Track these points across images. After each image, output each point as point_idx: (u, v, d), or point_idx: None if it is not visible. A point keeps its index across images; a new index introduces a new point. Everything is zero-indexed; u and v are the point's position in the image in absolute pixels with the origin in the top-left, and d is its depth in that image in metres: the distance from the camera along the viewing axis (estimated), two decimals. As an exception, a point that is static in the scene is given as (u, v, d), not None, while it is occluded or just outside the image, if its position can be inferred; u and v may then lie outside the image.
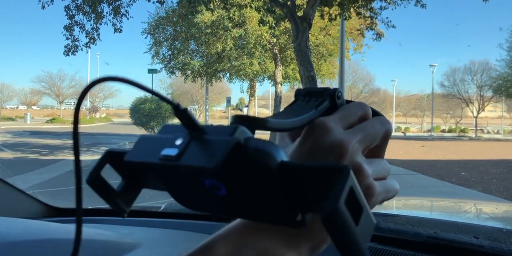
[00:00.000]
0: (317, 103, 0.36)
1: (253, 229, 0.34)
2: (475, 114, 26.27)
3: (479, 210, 1.36)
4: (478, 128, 26.82)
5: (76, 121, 0.30)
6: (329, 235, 0.27)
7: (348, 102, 0.38)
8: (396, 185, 0.37)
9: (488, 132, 27.57)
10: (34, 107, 34.66)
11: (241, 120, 0.31)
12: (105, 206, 1.20)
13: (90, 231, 0.92)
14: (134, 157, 0.31)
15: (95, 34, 9.72)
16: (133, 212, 1.18)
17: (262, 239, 0.33)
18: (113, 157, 0.35)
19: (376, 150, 0.37)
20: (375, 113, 0.38)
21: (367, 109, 0.37)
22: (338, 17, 9.38)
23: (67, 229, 0.88)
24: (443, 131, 27.70)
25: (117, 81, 0.28)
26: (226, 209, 0.33)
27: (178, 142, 0.30)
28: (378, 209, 1.16)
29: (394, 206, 1.29)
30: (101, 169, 0.34)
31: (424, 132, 26.67)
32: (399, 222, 0.89)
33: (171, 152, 0.29)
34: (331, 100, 0.37)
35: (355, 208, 0.27)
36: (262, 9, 9.90)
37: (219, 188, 0.30)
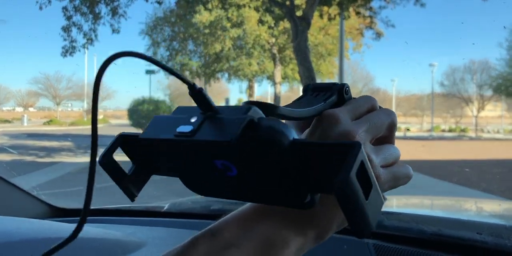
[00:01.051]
0: (325, 97, 0.37)
1: (260, 214, 0.34)
2: (475, 113, 26.25)
3: (482, 208, 1.36)
4: (478, 128, 26.79)
5: (95, 102, 0.30)
6: (339, 206, 0.27)
7: None
8: (408, 170, 0.37)
9: (488, 132, 27.52)
10: (31, 109, 34.44)
11: (252, 105, 0.31)
12: (110, 206, 1.20)
13: (96, 230, 0.93)
14: (149, 135, 0.32)
15: (93, 35, 9.69)
16: (136, 212, 1.18)
17: (268, 225, 0.34)
18: (124, 141, 0.35)
19: (383, 141, 0.38)
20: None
21: (375, 102, 0.38)
22: (337, 16, 9.37)
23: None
24: (443, 130, 27.64)
25: (135, 57, 0.29)
26: (235, 193, 0.33)
27: (193, 120, 0.30)
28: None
29: (394, 205, 1.29)
30: (113, 151, 0.35)
31: (424, 131, 26.64)
32: (403, 220, 0.89)
33: (186, 129, 0.30)
34: (339, 94, 0.37)
35: (365, 183, 0.28)
36: (260, 9, 9.90)
37: (230, 169, 0.31)
